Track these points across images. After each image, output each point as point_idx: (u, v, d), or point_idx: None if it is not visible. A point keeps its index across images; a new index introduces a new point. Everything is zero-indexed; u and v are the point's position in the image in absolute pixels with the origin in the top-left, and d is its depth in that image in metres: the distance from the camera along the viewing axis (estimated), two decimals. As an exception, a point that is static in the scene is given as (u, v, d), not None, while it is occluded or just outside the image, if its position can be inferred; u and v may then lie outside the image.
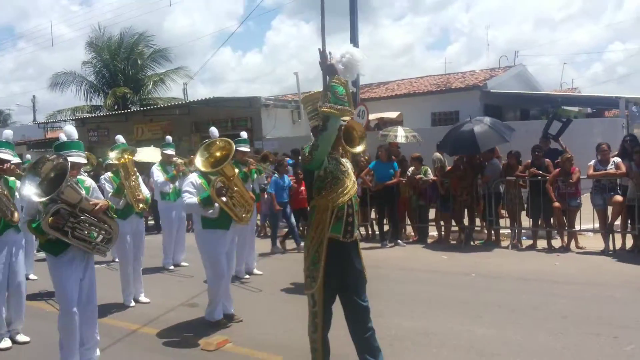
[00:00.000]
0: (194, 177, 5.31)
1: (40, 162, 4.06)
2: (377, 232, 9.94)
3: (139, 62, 26.34)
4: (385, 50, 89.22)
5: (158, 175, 8.15)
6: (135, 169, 6.27)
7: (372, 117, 15.90)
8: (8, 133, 5.26)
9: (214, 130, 6.23)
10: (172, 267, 8.32)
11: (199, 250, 5.42)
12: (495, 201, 9.17)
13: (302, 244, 5.35)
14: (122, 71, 26.21)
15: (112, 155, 6.29)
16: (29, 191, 3.90)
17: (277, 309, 5.96)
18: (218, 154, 5.33)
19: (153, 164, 8.64)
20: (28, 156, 10.33)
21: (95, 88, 26.40)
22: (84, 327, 4.30)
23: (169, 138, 8.73)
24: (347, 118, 4.04)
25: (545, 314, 5.26)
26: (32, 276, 7.84)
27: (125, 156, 6.18)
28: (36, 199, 3.89)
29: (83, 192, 4.24)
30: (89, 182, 4.56)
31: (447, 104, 18.81)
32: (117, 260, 7.58)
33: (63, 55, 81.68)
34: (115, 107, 24.18)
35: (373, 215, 10.32)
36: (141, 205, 6.19)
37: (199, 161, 5.23)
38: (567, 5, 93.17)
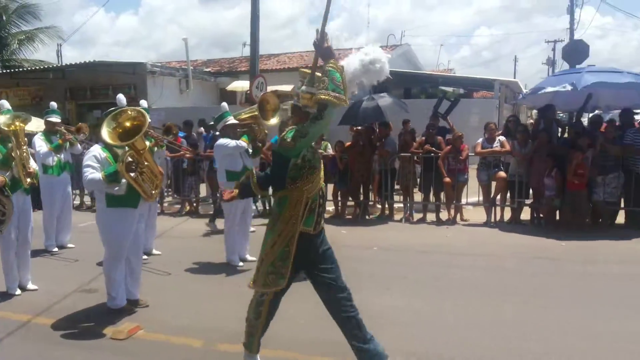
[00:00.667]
0: (97, 150, 4.82)
1: None
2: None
3: (3, 17, 23.44)
4: (268, 21, 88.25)
5: (41, 145, 7.33)
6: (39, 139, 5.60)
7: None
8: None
9: (121, 98, 5.75)
10: (55, 249, 7.60)
11: (100, 231, 4.97)
12: (391, 177, 9.56)
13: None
14: (-19, 27, 23.18)
15: (1, 121, 5.53)
16: None
17: (185, 290, 5.72)
18: (128, 124, 4.88)
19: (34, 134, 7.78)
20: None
21: (-53, 45, 23.10)
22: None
23: (53, 104, 7.86)
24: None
25: (447, 284, 5.62)
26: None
27: (17, 123, 5.48)
28: None
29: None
30: None
31: (339, 79, 19.08)
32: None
33: None
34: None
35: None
36: (29, 180, 5.55)
37: (105, 133, 4.72)
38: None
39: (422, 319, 4.65)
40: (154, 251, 7.22)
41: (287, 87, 16.39)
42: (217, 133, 7.38)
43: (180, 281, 6.08)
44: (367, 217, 9.67)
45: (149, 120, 5.26)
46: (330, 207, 10.16)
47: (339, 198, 9.95)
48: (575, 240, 7.32)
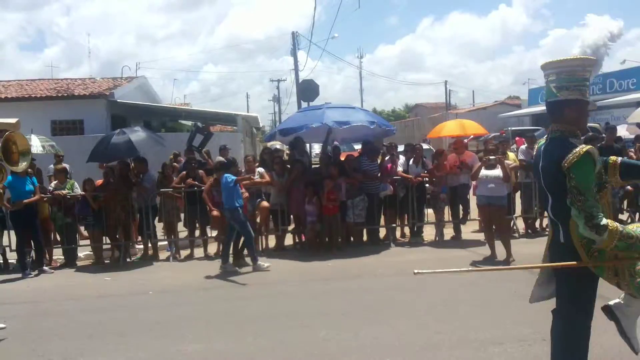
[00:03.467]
0: None
1: None
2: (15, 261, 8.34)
3: None
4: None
5: None
6: None
7: (-21, 122, 13.16)
8: None
9: None
10: None
11: None
12: (153, 214, 9.03)
13: None
14: None
15: None
16: None
17: None
18: None
19: None
20: None
21: None
22: None
23: None
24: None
25: (240, 318, 5.50)
26: None
27: None
28: None
29: None
30: None
31: (71, 112, 17.39)
32: None
33: None
34: None
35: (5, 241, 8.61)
36: None
37: None
38: (167, 25, 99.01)
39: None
40: None
41: (11, 120, 14.13)
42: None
43: None
44: (128, 259, 8.87)
45: None
46: (81, 253, 9.05)
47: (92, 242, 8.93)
48: (338, 259, 8.01)
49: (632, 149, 10.07)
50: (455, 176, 9.28)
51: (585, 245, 2.86)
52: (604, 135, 10.72)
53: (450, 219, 9.43)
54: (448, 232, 9.41)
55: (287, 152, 14.51)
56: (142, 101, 20.77)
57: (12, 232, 8.39)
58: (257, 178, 9.00)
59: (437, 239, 9.22)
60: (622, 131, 14.51)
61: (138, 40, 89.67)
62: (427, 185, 9.55)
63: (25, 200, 8.03)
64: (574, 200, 2.76)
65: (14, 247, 8.37)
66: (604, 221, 2.71)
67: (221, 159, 9.40)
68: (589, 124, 13.25)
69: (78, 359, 4.62)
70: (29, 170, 8.35)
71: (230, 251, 7.90)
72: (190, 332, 5.13)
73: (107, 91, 17.97)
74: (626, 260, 2.85)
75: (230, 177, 7.64)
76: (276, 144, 14.77)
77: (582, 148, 2.80)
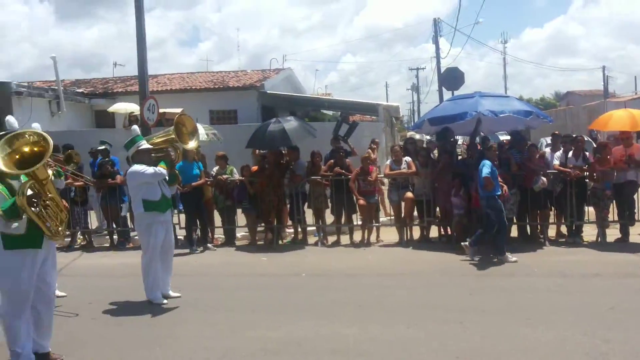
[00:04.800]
0: None
1: None
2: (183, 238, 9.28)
3: None
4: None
5: None
6: None
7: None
8: None
9: (11, 120, 4.92)
10: None
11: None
12: (302, 200, 9.45)
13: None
14: None
15: None
16: None
17: (108, 337, 5.03)
18: (27, 150, 4.17)
19: None
20: None
21: None
22: None
23: None
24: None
25: (391, 306, 5.58)
26: None
27: None
28: None
29: None
30: None
31: (226, 102, 18.74)
32: None
33: None
34: None
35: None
36: None
37: None
38: (309, 17, 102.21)
39: (382, 346, 4.53)
40: (58, 292, 6.27)
41: (175, 110, 15.67)
42: (129, 158, 6.70)
43: (99, 326, 5.35)
44: (280, 242, 9.41)
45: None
46: (239, 233, 9.79)
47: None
48: (484, 254, 7.75)
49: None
50: (622, 172, 8.44)
51: None
52: None
53: (616, 218, 8.61)
54: (611, 234, 8.58)
55: (425, 143, 14.27)
56: (288, 92, 21.76)
57: (179, 212, 9.32)
58: (403, 168, 9.02)
59: (599, 239, 8.47)
60: None
61: (282, 33, 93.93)
62: (586, 180, 8.80)
63: (193, 184, 8.87)
64: None
65: (182, 225, 9.29)
66: None
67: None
68: None
69: (243, 331, 5.01)
70: (195, 156, 9.20)
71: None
72: (344, 315, 5.31)
73: (258, 83, 19.08)
74: None
75: (486, 163, 7.57)
76: (415, 135, 14.64)
77: None
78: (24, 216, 3.98)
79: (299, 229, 9.56)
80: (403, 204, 9.07)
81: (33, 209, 3.99)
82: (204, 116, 18.56)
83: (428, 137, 14.31)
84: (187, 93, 18.92)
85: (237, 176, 9.66)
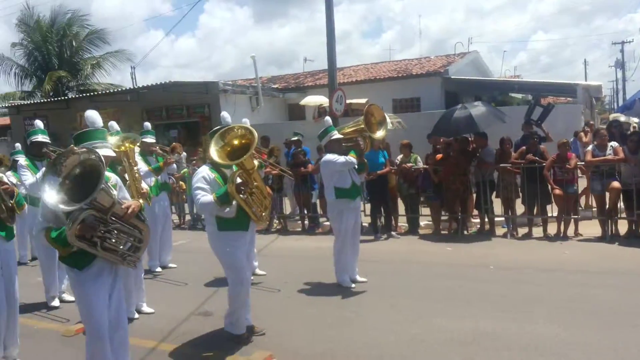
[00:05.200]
0: (205, 171, 4.59)
1: (61, 158, 3.31)
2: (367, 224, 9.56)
3: (74, 43, 24.47)
4: (320, 37, 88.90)
5: (141, 165, 7.31)
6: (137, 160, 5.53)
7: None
8: None
9: (225, 115, 5.56)
10: (158, 269, 7.55)
11: (218, 256, 4.72)
12: (490, 189, 9.03)
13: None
14: (56, 54, 24.28)
15: (112, 142, 5.47)
16: (51, 198, 3.15)
17: (302, 315, 5.42)
18: (236, 142, 4.65)
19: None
20: (18, 145, 8.87)
21: (27, 72, 24.29)
22: (113, 354, 3.61)
23: (147, 125, 7.80)
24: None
25: (590, 307, 5.07)
26: None
27: (127, 144, 5.41)
28: (64, 208, 3.14)
29: (114, 193, 3.53)
30: (114, 178, 3.82)
31: (409, 91, 18.69)
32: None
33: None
34: (51, 93, 22.35)
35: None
36: (141, 201, 5.44)
37: (213, 151, 4.53)
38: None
39: (580, 349, 4.14)
40: (258, 271, 6.97)
41: (361, 100, 16.16)
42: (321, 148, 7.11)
43: (294, 304, 5.79)
44: (465, 232, 9.15)
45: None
46: (422, 222, 9.75)
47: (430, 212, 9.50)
48: None
49: None
50: None
51: None
52: None
53: None
54: None
55: (635, 125, 12.52)
56: (473, 76, 20.88)
57: (363, 200, 9.57)
58: (609, 154, 8.07)
59: None
60: None
61: (466, 16, 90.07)
62: None
63: (378, 172, 9.07)
64: None
65: (366, 212, 9.56)
66: None
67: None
68: None
69: (430, 319, 5.00)
70: (380, 145, 9.36)
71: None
72: (539, 314, 4.97)
73: (442, 68, 18.65)
74: None
75: None
76: (620, 117, 12.91)
77: None
78: (233, 202, 4.46)
79: (486, 219, 9.17)
80: (607, 194, 8.14)
81: (241, 195, 4.45)
82: (388, 105, 18.78)
83: (637, 120, 12.59)
84: (371, 83, 19.29)
85: (421, 164, 9.62)
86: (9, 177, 5.81)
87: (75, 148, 3.34)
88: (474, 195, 9.27)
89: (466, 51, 22.77)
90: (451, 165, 9.06)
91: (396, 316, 5.11)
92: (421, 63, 21.14)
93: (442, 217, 9.45)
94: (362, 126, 6.51)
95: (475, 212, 9.35)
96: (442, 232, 9.30)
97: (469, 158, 9.16)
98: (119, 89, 20.59)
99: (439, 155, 9.56)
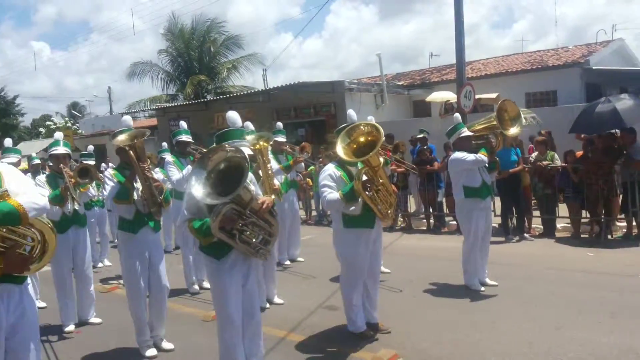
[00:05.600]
0: (331, 169, 4.65)
1: (210, 152, 3.59)
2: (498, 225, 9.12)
3: (212, 49, 26.32)
4: (447, 31, 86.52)
5: (272, 163, 7.66)
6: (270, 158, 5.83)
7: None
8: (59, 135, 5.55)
9: (352, 114, 5.63)
10: (287, 262, 7.88)
11: (338, 252, 4.79)
12: (639, 190, 8.17)
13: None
14: (196, 59, 26.30)
15: (248, 140, 5.82)
16: (198, 191, 3.42)
17: (427, 315, 5.32)
18: (362, 140, 4.66)
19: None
20: (33, 153, 10.53)
21: (172, 77, 26.62)
22: (247, 342, 3.83)
23: (279, 124, 8.18)
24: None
25: None
26: (106, 262, 8.88)
27: (261, 142, 5.72)
28: (210, 200, 3.40)
29: (253, 189, 3.75)
30: (250, 175, 4.05)
31: (544, 84, 17.49)
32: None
33: (132, 47, 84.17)
34: (192, 95, 24.27)
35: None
36: (273, 197, 5.71)
37: (340, 149, 4.58)
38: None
39: None
40: (383, 269, 6.95)
41: (492, 95, 15.46)
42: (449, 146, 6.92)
43: (419, 304, 5.71)
44: (609, 236, 8.37)
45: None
46: (559, 224, 9.10)
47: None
48: None
49: None
50: None
51: None
52: None
53: None
54: None
55: None
56: (619, 66, 18.99)
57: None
58: None
59: None
60: None
61: (609, 0, 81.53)
62: None
63: (510, 170, 8.61)
64: None
65: (497, 212, 9.12)
66: None
67: None
68: None
69: (568, 330, 4.63)
70: (512, 142, 8.87)
71: None
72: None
73: (582, 59, 17.21)
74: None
75: None
76: None
77: None
78: (359, 199, 4.50)
79: (634, 223, 8.30)
80: None
81: (367, 193, 4.47)
82: (520, 99, 17.73)
83: None
84: (503, 77, 18.33)
85: (558, 162, 8.98)
86: (157, 173, 6.43)
87: (226, 145, 3.59)
88: (620, 196, 8.46)
89: (610, 39, 20.77)
90: (592, 164, 8.34)
91: (530, 325, 4.82)
92: (558, 53, 19.67)
93: (583, 220, 8.74)
94: (494, 123, 6.24)
95: (622, 215, 8.52)
96: (582, 235, 8.59)
97: (614, 156, 8.36)
98: (252, 91, 21.78)
99: (579, 153, 8.88)
